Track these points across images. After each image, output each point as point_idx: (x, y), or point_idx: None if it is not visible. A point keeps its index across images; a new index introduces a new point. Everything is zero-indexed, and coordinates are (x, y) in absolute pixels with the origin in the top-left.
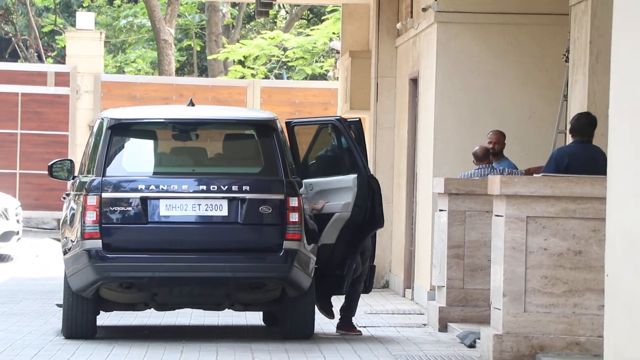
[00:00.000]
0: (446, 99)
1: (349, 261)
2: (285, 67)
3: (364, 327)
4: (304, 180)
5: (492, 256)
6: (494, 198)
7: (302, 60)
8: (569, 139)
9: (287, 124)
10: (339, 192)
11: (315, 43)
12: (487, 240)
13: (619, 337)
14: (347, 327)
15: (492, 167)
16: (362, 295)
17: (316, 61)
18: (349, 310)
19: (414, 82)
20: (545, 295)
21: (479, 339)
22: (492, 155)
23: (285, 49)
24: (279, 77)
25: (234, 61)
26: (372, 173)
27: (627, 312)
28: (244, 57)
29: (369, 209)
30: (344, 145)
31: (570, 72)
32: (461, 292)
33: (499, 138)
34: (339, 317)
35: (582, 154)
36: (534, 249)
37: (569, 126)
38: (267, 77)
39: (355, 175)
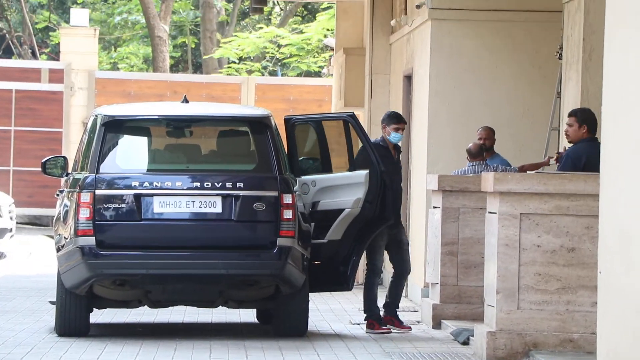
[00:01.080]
0: (440, 95)
1: (354, 257)
2: (279, 64)
3: (357, 324)
4: (309, 177)
5: (486, 253)
6: (487, 195)
7: (296, 57)
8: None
9: (287, 120)
10: (350, 187)
11: (309, 40)
12: (481, 237)
13: (612, 334)
14: (397, 323)
15: (486, 164)
16: (355, 292)
17: (312, 57)
18: (393, 305)
19: (408, 79)
20: (539, 292)
21: (473, 336)
22: (485, 151)
23: (279, 46)
24: (273, 74)
25: (229, 59)
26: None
27: (620, 309)
28: (238, 58)
29: (379, 204)
30: (348, 141)
31: (564, 69)
32: (455, 289)
33: (489, 134)
34: (382, 312)
35: (597, 152)
36: (527, 246)
37: (583, 123)
38: (261, 74)
39: (367, 171)
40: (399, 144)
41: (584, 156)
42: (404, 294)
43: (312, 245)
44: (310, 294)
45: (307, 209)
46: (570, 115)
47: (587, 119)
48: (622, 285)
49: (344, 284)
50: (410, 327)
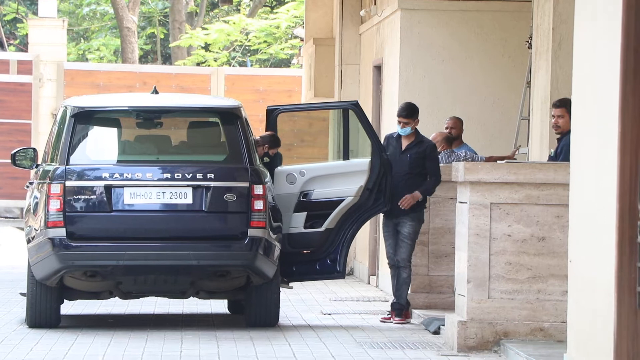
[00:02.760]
0: (410, 85)
1: (345, 245)
2: (248, 52)
3: (329, 314)
4: (296, 167)
5: (457, 243)
6: (458, 185)
7: (264, 45)
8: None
9: (270, 111)
10: (349, 176)
11: (277, 27)
12: (451, 227)
13: (582, 323)
14: (406, 314)
15: (453, 151)
16: (326, 282)
17: (280, 44)
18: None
19: (378, 69)
20: (509, 282)
21: (444, 325)
22: (453, 140)
23: (247, 33)
24: (242, 64)
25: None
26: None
27: (590, 297)
28: (205, 43)
29: (382, 191)
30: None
31: (534, 58)
32: (425, 278)
33: (456, 123)
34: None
35: None
36: (497, 236)
37: (563, 112)
38: (229, 63)
39: (369, 159)
40: (409, 136)
41: None
42: (374, 284)
43: (306, 234)
44: (300, 282)
45: (294, 198)
46: (558, 106)
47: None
48: (591, 273)
49: (335, 272)
50: (404, 318)
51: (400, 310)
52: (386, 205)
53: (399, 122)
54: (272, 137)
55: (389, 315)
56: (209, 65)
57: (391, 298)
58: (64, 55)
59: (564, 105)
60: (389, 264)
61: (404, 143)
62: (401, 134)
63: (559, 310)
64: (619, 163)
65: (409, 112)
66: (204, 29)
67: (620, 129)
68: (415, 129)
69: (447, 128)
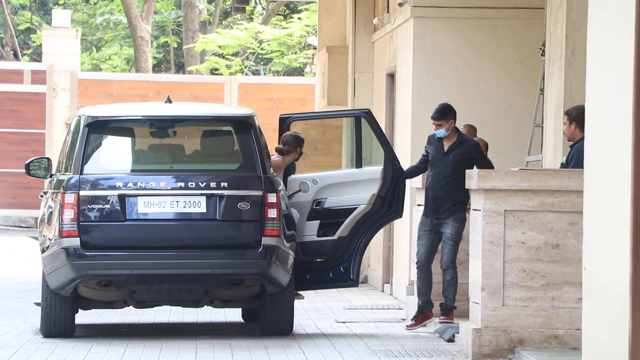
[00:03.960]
0: (423, 93)
1: (359, 253)
2: (261, 61)
3: (343, 322)
4: (309, 175)
5: (471, 250)
6: (471, 192)
7: (278, 53)
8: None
9: (283, 119)
10: (362, 184)
11: (291, 36)
12: (465, 234)
13: (597, 330)
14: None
15: None
16: (340, 290)
17: (293, 53)
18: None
19: (391, 77)
20: (524, 289)
21: (458, 333)
22: None
23: (261, 42)
24: (256, 73)
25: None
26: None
27: (605, 304)
28: (219, 47)
29: (395, 199)
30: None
31: (547, 65)
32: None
33: (470, 131)
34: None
35: None
36: (512, 243)
37: (568, 121)
38: (242, 71)
39: (382, 167)
40: (448, 138)
41: None
42: (388, 292)
43: (319, 242)
44: (314, 291)
45: (307, 207)
46: (565, 114)
47: (577, 117)
48: (606, 280)
49: (348, 280)
50: (450, 318)
51: (449, 310)
52: (399, 214)
53: (434, 125)
54: (295, 137)
55: (414, 322)
56: (221, 73)
57: (404, 305)
58: (78, 65)
59: (566, 113)
60: (416, 264)
61: (446, 144)
62: (438, 135)
63: (574, 317)
64: (632, 169)
65: (440, 114)
66: (217, 33)
67: (633, 135)
68: (456, 128)
69: None
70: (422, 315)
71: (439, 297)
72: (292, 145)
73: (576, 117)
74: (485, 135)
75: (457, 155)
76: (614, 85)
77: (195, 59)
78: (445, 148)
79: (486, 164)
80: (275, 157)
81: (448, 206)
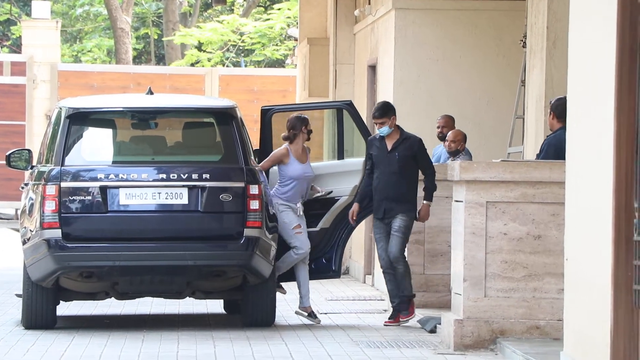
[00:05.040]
0: (404, 85)
1: (341, 244)
2: (242, 53)
3: (325, 313)
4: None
5: (452, 242)
6: (453, 184)
7: (258, 45)
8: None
9: (265, 111)
10: (344, 175)
11: (272, 27)
12: (447, 225)
13: (579, 321)
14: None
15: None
16: (322, 281)
17: (274, 45)
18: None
19: (372, 68)
20: (505, 280)
21: (440, 324)
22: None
23: (242, 34)
24: (237, 64)
25: (191, 46)
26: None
27: (587, 295)
28: (199, 41)
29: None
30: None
31: (528, 57)
32: (422, 277)
33: (447, 122)
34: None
35: None
36: (493, 234)
37: (549, 112)
38: (223, 63)
39: (364, 159)
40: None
41: (565, 144)
42: (370, 283)
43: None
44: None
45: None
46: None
47: (556, 108)
48: (588, 272)
49: (330, 271)
50: (406, 316)
51: (409, 301)
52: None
53: (375, 124)
54: (297, 118)
55: (392, 320)
56: (202, 66)
57: (386, 296)
58: (58, 56)
59: (549, 103)
60: (382, 268)
61: (389, 143)
62: (381, 134)
63: (555, 308)
64: (614, 161)
65: (381, 112)
66: (198, 27)
67: (615, 127)
68: (398, 126)
69: (438, 127)
70: (399, 314)
71: (421, 287)
72: (298, 127)
73: (555, 107)
74: (466, 126)
75: (402, 152)
76: (595, 76)
77: (175, 51)
78: (389, 146)
79: (427, 162)
80: (281, 147)
81: (397, 205)
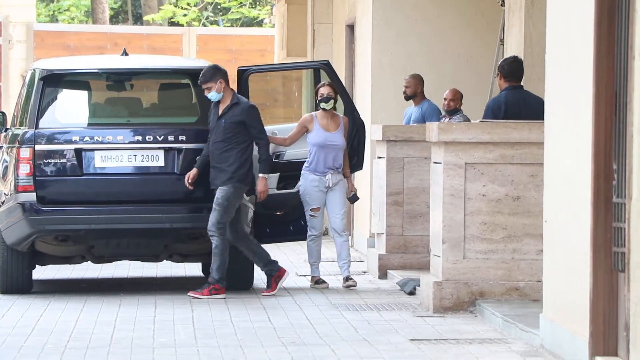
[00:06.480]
0: (383, 45)
1: None
2: (219, 11)
3: (304, 275)
4: (268, 127)
5: (431, 203)
6: (432, 145)
7: (235, 3)
8: (496, 84)
9: (242, 72)
10: None
11: None
12: (426, 186)
13: (558, 283)
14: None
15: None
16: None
17: (251, 5)
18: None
19: (351, 28)
20: (485, 242)
21: (419, 286)
22: (411, 99)
23: None
24: (214, 23)
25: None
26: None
27: (566, 257)
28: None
29: (355, 151)
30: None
31: (507, 16)
32: (400, 239)
33: (410, 82)
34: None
35: (517, 100)
36: (472, 196)
37: (497, 71)
38: (199, 20)
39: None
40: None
41: (502, 105)
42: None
43: (279, 195)
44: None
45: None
46: None
47: (502, 67)
48: (567, 234)
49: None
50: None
51: (210, 284)
52: (359, 166)
53: (204, 89)
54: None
55: (269, 289)
56: (178, 22)
57: (365, 257)
58: (34, 16)
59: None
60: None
61: (220, 108)
62: (212, 100)
63: (534, 269)
64: (593, 122)
65: (205, 77)
66: None
67: (594, 88)
68: (232, 90)
69: (404, 87)
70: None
71: (400, 249)
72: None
73: (501, 67)
74: (445, 87)
75: (230, 118)
76: (575, 36)
77: (153, 9)
78: (220, 112)
79: (257, 130)
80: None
81: (219, 174)
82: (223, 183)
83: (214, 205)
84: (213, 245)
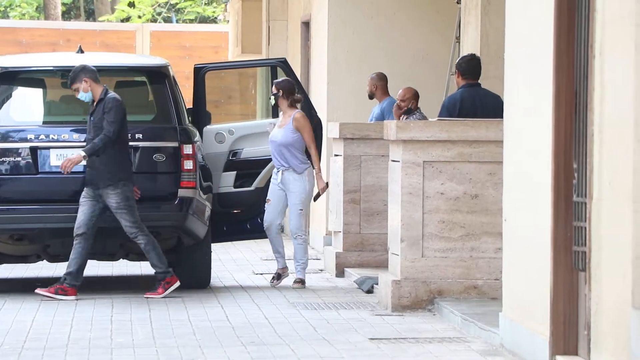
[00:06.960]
0: (339, 42)
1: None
2: (173, 9)
3: (261, 274)
4: (224, 125)
5: (389, 201)
6: (390, 143)
7: (190, 2)
8: (452, 81)
9: (198, 69)
10: None
11: None
12: (383, 184)
13: (518, 282)
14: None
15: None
16: (257, 241)
17: (205, 3)
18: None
19: (306, 25)
20: (443, 240)
21: (377, 284)
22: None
23: None
24: (168, 20)
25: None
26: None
27: (526, 256)
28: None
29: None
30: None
31: (463, 13)
32: (358, 237)
33: (368, 81)
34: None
35: (473, 98)
36: (431, 194)
37: (454, 69)
38: (154, 19)
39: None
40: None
41: (458, 103)
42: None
43: (236, 193)
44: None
45: (224, 158)
46: None
47: (459, 65)
48: (527, 232)
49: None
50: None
51: (160, 280)
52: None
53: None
54: (287, 82)
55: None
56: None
57: (322, 255)
58: None
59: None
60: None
61: (92, 108)
62: (84, 100)
63: (492, 267)
64: (553, 121)
65: (70, 80)
66: None
67: (554, 87)
68: (103, 87)
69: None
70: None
71: (357, 247)
72: (283, 86)
73: (458, 65)
74: (401, 84)
75: (96, 115)
76: (534, 34)
77: (105, 6)
78: (90, 111)
79: (108, 122)
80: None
81: (97, 174)
82: (108, 186)
83: (116, 212)
84: (142, 245)
